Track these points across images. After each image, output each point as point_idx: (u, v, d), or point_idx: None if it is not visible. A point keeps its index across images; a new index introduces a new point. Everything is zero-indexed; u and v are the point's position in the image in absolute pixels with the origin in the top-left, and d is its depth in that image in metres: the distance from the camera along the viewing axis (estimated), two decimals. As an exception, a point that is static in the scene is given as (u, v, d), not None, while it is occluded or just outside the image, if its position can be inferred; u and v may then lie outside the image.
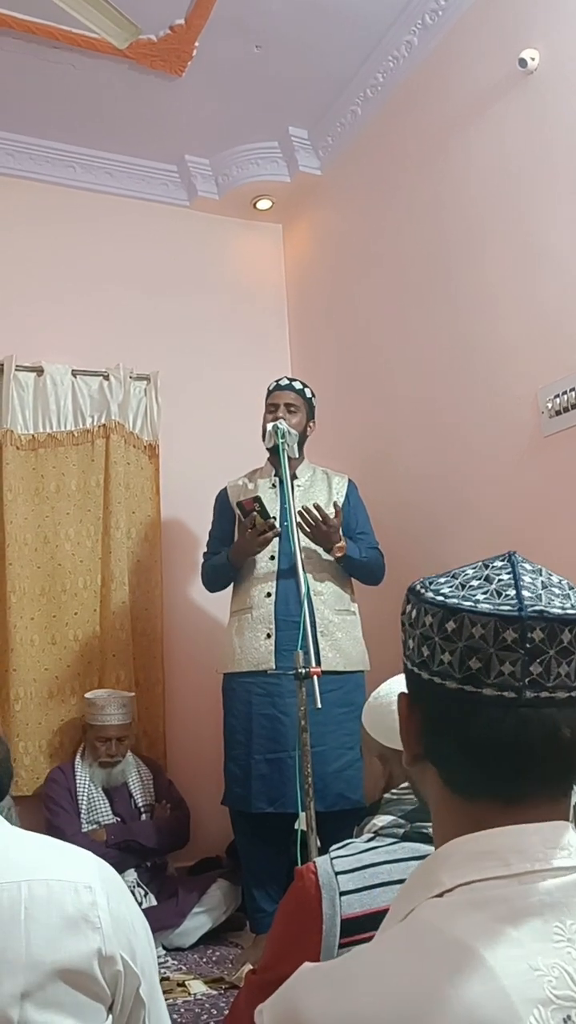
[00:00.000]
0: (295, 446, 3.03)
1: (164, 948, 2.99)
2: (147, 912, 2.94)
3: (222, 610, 3.39)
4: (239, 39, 3.37)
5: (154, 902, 3.09)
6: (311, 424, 3.19)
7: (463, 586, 0.73)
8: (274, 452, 3.00)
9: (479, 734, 0.69)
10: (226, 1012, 2.25)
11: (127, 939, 0.94)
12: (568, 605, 0.70)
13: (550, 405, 2.72)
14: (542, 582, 0.73)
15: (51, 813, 3.13)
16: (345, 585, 3.07)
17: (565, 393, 2.67)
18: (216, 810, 3.15)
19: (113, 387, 3.79)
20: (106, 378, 3.80)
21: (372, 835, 1.27)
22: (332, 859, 1.19)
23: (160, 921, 2.96)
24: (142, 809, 3.26)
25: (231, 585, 3.15)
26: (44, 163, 3.96)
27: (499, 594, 0.71)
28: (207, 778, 3.39)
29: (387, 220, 3.64)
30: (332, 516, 2.91)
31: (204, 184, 4.19)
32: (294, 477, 3.08)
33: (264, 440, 3.06)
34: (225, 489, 3.28)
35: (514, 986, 0.59)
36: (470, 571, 0.76)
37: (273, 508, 2.95)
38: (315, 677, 2.39)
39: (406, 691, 0.78)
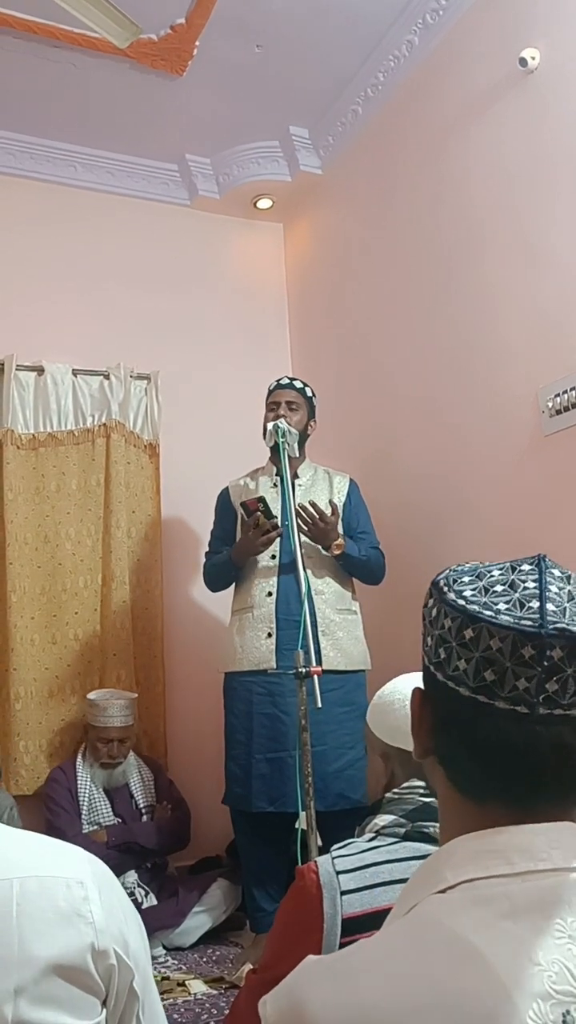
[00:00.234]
0: (295, 445, 3.03)
1: (164, 948, 3.00)
2: (148, 912, 2.97)
3: (223, 609, 3.39)
4: (240, 39, 3.37)
5: (154, 902, 3.09)
6: (312, 423, 3.19)
7: (486, 590, 0.72)
8: (275, 451, 3.00)
9: (488, 741, 0.69)
10: (226, 1012, 2.25)
11: (120, 933, 0.94)
12: None
13: (550, 404, 2.72)
14: (569, 592, 0.71)
15: (52, 814, 3.12)
16: (346, 584, 3.07)
17: (565, 392, 2.67)
18: (216, 809, 3.15)
19: (113, 386, 3.80)
20: (106, 377, 3.80)
21: (373, 834, 1.27)
22: (333, 858, 1.20)
23: (160, 920, 2.97)
24: (143, 810, 3.26)
25: (232, 584, 3.16)
26: (45, 162, 3.96)
27: (522, 605, 0.69)
28: (207, 777, 3.39)
29: (388, 219, 3.64)
30: (329, 513, 2.91)
31: (205, 183, 4.20)
32: (295, 476, 3.08)
33: (265, 439, 3.06)
34: (227, 488, 3.28)
35: (513, 980, 0.59)
36: (496, 573, 0.74)
37: (274, 507, 2.95)
38: (315, 676, 2.39)
39: (421, 687, 0.78)
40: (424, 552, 3.26)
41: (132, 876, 3.10)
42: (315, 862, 1.20)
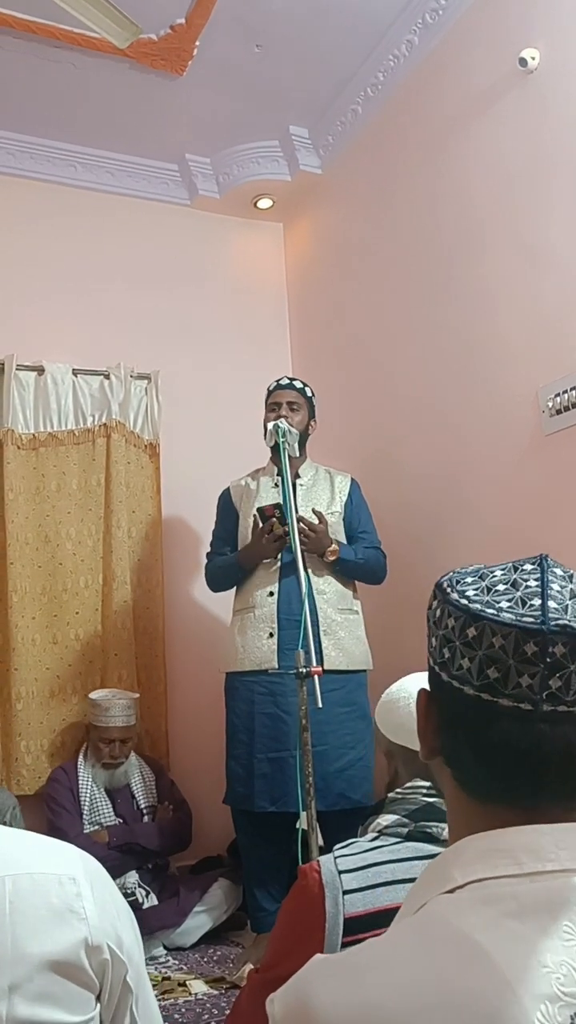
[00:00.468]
0: (296, 445, 3.03)
1: (165, 947, 3.00)
2: (149, 912, 2.97)
3: (224, 609, 3.39)
4: (240, 38, 3.37)
5: (155, 902, 3.08)
6: (312, 423, 3.19)
7: (488, 590, 0.72)
8: (275, 451, 3.00)
9: (493, 741, 0.69)
10: (227, 1012, 2.25)
11: (113, 928, 0.95)
12: None
13: (550, 404, 2.72)
14: (571, 590, 0.71)
15: (53, 814, 3.12)
16: (348, 583, 3.06)
17: (565, 392, 2.67)
18: (218, 809, 3.16)
19: (114, 386, 3.80)
20: (107, 377, 3.80)
21: (376, 834, 1.27)
22: (336, 858, 1.20)
23: (161, 920, 2.97)
24: (144, 810, 3.26)
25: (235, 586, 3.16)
26: (45, 162, 3.96)
27: (524, 603, 0.70)
28: (209, 777, 3.39)
29: (388, 219, 3.64)
30: (317, 523, 2.91)
31: (205, 183, 4.20)
32: (297, 476, 3.08)
33: (265, 439, 3.06)
34: (228, 489, 3.28)
35: (520, 981, 0.59)
36: (499, 572, 0.75)
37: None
38: (316, 676, 2.39)
39: (427, 687, 0.78)
40: (425, 552, 3.26)
41: (133, 876, 3.10)
42: (318, 861, 1.19)
